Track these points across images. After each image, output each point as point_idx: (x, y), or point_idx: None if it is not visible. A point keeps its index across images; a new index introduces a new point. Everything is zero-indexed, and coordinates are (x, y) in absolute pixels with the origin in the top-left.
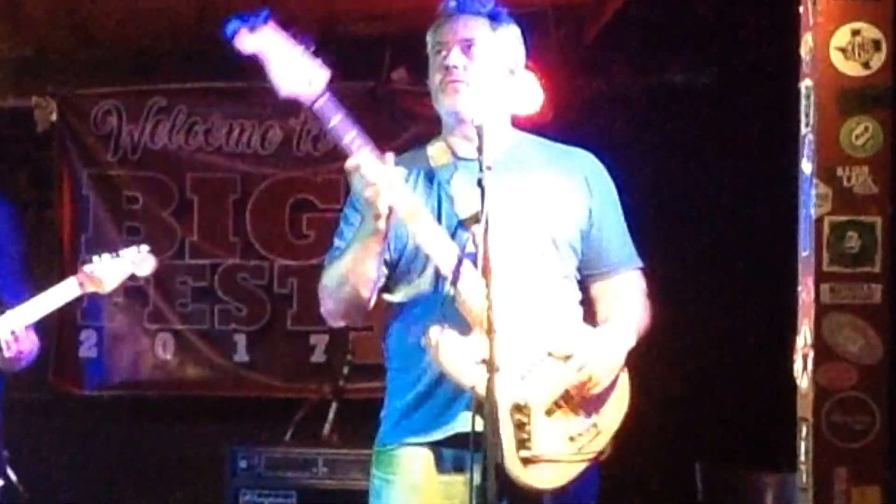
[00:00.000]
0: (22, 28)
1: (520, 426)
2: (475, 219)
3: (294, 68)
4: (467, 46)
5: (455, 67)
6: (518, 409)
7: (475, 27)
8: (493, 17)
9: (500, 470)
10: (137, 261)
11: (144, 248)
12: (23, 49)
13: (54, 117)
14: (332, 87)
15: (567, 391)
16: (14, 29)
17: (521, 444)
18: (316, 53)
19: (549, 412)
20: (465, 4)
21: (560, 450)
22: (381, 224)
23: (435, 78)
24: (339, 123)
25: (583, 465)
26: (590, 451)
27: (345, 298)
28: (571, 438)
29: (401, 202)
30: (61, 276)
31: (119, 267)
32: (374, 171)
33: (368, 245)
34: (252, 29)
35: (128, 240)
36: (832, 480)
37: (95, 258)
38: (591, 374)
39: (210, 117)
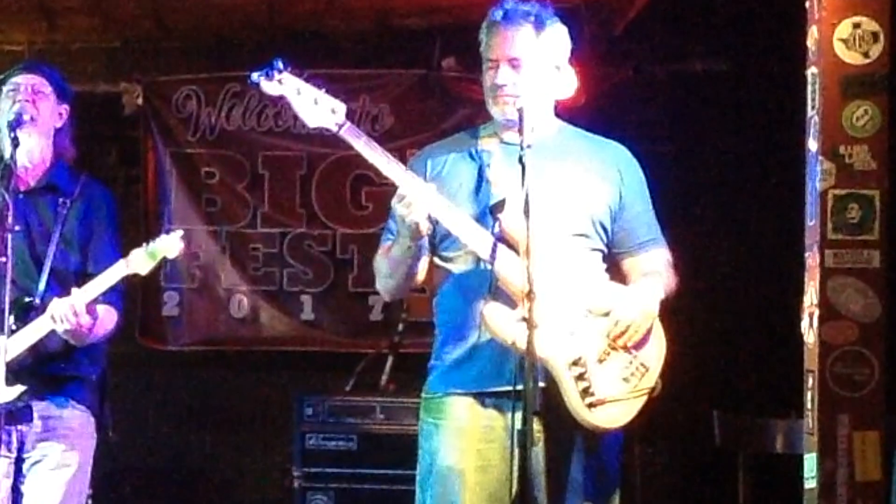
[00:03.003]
0: (110, 22)
1: (580, 377)
2: (502, 206)
3: (316, 104)
4: (514, 65)
5: (504, 86)
6: (574, 363)
7: (521, 42)
8: (538, 22)
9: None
10: (169, 246)
11: (177, 234)
12: (111, 40)
13: (140, 101)
14: (388, 73)
15: (612, 338)
16: (103, 23)
17: (585, 392)
18: (332, 92)
19: (600, 360)
20: (511, 17)
21: (618, 390)
22: (415, 239)
23: (486, 88)
24: (365, 144)
25: (641, 402)
26: (643, 388)
27: (393, 286)
28: (625, 379)
29: (431, 204)
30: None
31: (158, 250)
32: (409, 190)
33: (405, 253)
34: (270, 77)
35: (206, 211)
36: (835, 426)
37: (144, 245)
38: (629, 322)
39: (279, 102)
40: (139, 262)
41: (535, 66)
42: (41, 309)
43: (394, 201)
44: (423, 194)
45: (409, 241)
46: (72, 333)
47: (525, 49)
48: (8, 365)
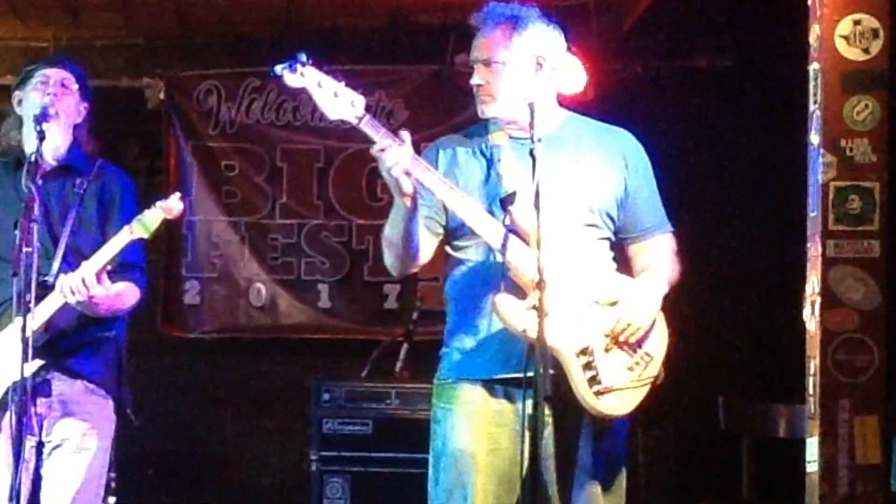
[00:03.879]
0: (134, 19)
1: (587, 366)
2: (513, 198)
3: (336, 96)
4: (486, 64)
5: (479, 86)
6: (582, 352)
7: (491, 44)
8: (512, 23)
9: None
10: (168, 207)
11: (175, 195)
12: (135, 37)
13: (162, 96)
14: (403, 69)
15: (616, 332)
16: (127, 20)
17: (593, 380)
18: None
19: (606, 349)
20: (486, 20)
21: (623, 379)
22: (407, 201)
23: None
24: (383, 136)
25: (645, 390)
26: (647, 377)
27: (394, 257)
28: (630, 368)
29: (436, 187)
30: (168, 234)
31: (153, 216)
32: (391, 154)
33: (397, 213)
34: (293, 70)
35: (226, 202)
36: (836, 411)
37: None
38: (631, 321)
39: (297, 96)
40: (140, 226)
41: (509, 65)
42: (54, 287)
43: (381, 166)
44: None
45: (399, 199)
46: (85, 305)
47: (497, 50)
48: (25, 342)
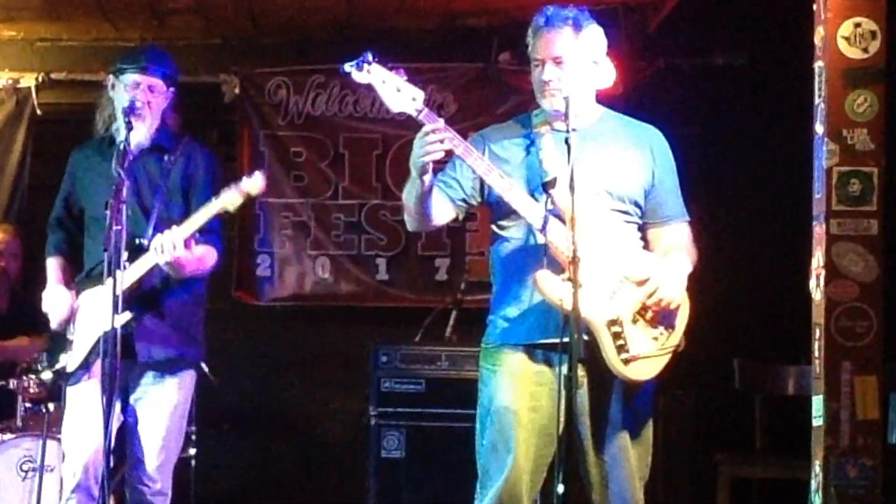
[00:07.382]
0: (212, 22)
1: (616, 335)
2: (554, 183)
3: (399, 91)
4: (557, 62)
5: (549, 81)
6: (612, 322)
7: (562, 41)
8: (576, 24)
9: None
10: (253, 184)
11: (258, 173)
12: (213, 38)
13: (237, 90)
14: (452, 67)
15: (646, 306)
16: (206, 23)
17: (621, 349)
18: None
19: (634, 321)
20: (552, 21)
21: (648, 348)
22: (420, 176)
23: (535, 84)
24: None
25: (667, 358)
26: (669, 346)
27: (411, 219)
28: (655, 338)
29: (487, 175)
30: (241, 213)
31: (237, 191)
32: (433, 129)
33: (412, 187)
34: (360, 68)
35: (294, 185)
36: (839, 372)
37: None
38: (664, 296)
39: (358, 90)
40: (228, 198)
41: (575, 62)
42: (148, 249)
43: (418, 136)
44: (479, 164)
45: (416, 176)
46: (171, 266)
47: (565, 48)
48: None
